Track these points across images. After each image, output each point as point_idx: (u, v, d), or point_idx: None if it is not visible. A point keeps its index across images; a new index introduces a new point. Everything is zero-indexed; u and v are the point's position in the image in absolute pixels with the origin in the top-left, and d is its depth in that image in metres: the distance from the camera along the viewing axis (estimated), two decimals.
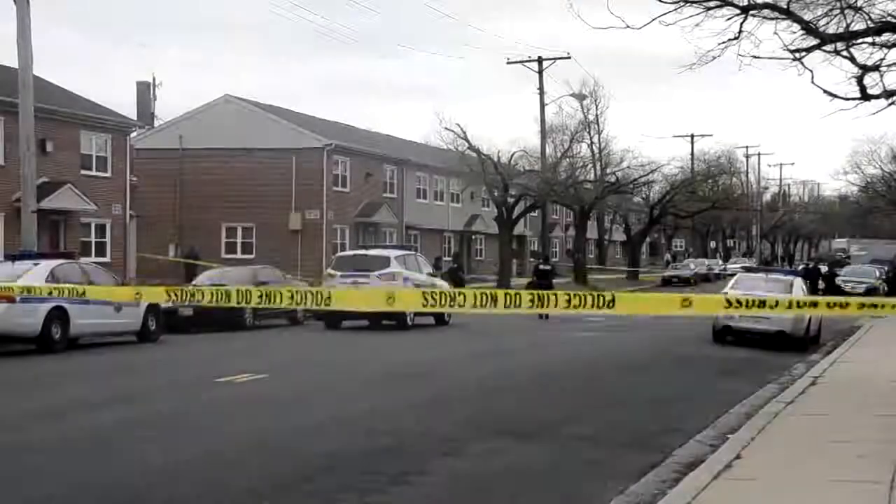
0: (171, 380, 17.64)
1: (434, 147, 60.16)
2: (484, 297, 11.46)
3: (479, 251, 75.09)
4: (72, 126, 42.74)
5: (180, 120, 58.81)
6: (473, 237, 74.28)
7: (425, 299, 13.23)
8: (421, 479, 9.46)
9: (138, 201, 52.08)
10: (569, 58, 60.71)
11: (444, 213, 69.79)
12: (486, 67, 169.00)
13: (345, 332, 29.32)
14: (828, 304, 11.84)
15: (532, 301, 11.58)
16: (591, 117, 73.87)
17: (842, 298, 14.30)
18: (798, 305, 13.93)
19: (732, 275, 38.04)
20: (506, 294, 11.99)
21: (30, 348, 22.62)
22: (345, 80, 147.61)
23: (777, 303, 12.39)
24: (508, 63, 61.09)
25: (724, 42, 21.69)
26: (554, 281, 45.10)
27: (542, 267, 43.33)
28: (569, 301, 11.25)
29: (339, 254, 38.52)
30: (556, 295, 11.64)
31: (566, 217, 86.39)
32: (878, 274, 57.24)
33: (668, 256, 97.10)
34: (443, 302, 12.52)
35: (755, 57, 22.16)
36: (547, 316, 39.76)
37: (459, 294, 12.30)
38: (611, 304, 11.15)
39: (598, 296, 11.30)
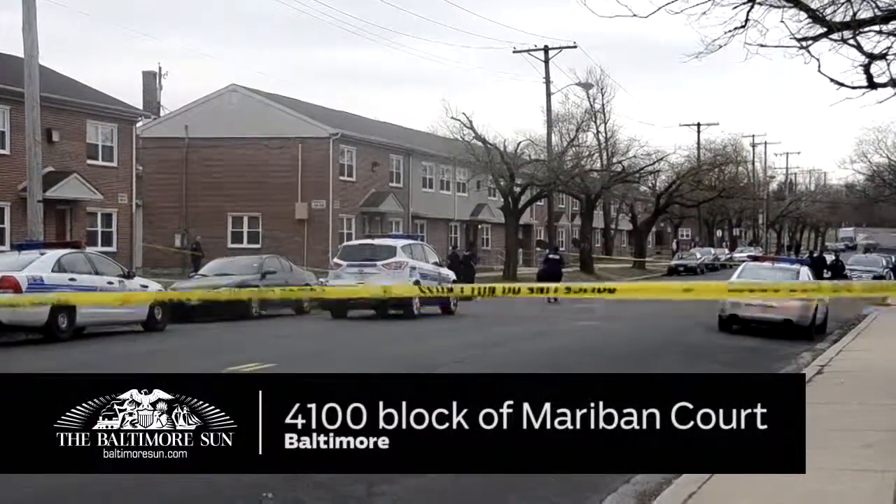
0: (178, 371, 17.60)
1: (440, 136, 60.10)
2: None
3: (486, 241, 75.08)
4: (78, 115, 42.78)
5: (186, 109, 58.77)
6: (480, 226, 74.27)
7: None
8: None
9: (144, 191, 52.20)
10: (575, 47, 60.67)
11: (450, 202, 69.75)
12: (493, 57, 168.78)
13: (351, 322, 29.31)
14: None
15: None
16: (597, 106, 73.78)
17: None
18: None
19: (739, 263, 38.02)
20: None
21: (36, 338, 22.67)
22: (351, 70, 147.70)
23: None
24: (515, 52, 61.08)
25: (730, 31, 21.61)
26: (562, 270, 45.36)
27: (551, 256, 43.62)
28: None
29: (346, 243, 38.55)
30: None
31: (572, 206, 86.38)
32: (884, 263, 57.21)
33: (673, 245, 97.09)
34: None
35: (762, 45, 22.08)
36: (556, 300, 40.19)
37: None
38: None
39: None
